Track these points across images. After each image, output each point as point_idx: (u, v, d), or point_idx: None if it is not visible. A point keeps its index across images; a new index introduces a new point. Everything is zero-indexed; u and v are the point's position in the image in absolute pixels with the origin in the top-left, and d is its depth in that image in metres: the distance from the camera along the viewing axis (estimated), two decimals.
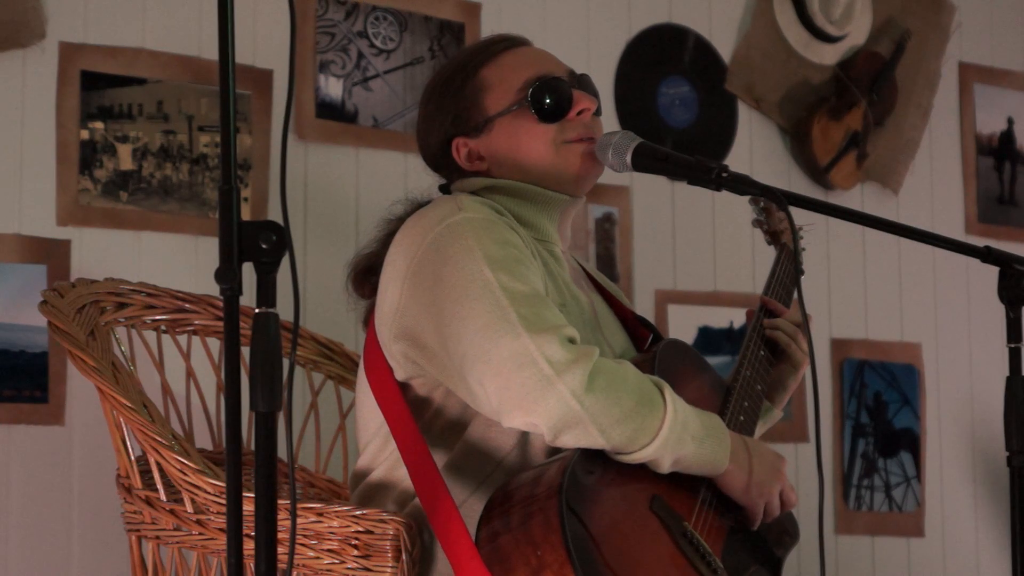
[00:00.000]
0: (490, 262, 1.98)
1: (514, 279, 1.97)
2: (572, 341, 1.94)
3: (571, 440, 1.91)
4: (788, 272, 2.50)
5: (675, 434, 1.95)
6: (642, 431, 1.93)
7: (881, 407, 4.01)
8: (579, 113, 2.19)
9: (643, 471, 1.98)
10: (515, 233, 2.07)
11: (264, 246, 1.56)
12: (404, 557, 1.99)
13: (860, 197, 4.03)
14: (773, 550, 2.18)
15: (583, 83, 2.23)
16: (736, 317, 3.75)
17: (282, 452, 1.89)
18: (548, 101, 2.17)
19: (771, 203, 2.59)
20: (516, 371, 1.89)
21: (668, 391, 1.98)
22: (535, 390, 1.88)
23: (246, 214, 3.12)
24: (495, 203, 2.14)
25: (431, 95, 2.26)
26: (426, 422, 2.10)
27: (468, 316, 1.94)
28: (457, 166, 2.23)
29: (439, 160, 2.26)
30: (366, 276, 2.21)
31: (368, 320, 2.20)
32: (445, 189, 2.28)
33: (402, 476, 2.09)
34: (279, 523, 1.60)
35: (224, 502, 1.90)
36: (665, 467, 1.97)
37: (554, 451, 1.99)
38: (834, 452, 3.93)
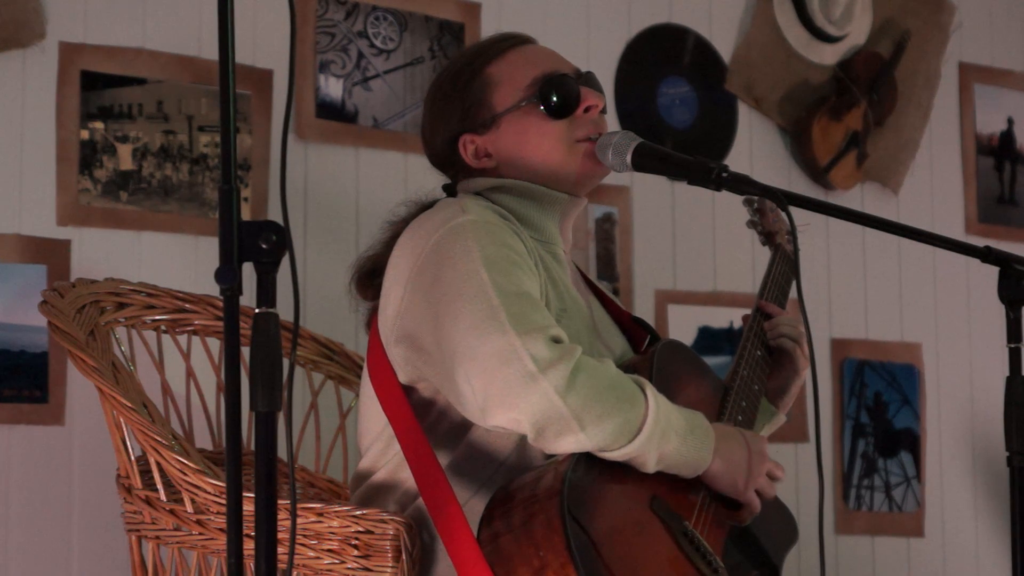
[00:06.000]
0: (487, 263, 1.97)
1: (508, 279, 1.96)
2: (558, 341, 1.93)
3: (552, 437, 1.90)
4: (784, 273, 2.50)
5: (659, 429, 1.94)
6: (624, 427, 1.91)
7: (881, 407, 4.00)
8: (586, 110, 2.19)
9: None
10: (517, 238, 2.06)
11: (264, 246, 1.56)
12: (404, 557, 1.99)
13: (860, 197, 4.03)
14: (773, 550, 2.18)
15: (589, 80, 2.22)
16: (736, 317, 3.74)
17: (282, 452, 1.89)
18: (556, 97, 2.17)
19: (765, 204, 2.59)
20: (501, 367, 1.88)
21: (650, 388, 1.96)
22: (518, 386, 1.87)
23: (246, 214, 3.12)
24: (499, 206, 2.13)
25: (437, 92, 2.25)
26: (430, 424, 2.09)
27: (460, 315, 1.93)
28: (463, 164, 2.22)
29: (444, 157, 2.25)
30: (370, 278, 2.20)
31: (371, 323, 2.19)
32: (449, 188, 2.28)
33: (405, 478, 2.09)
34: (279, 523, 1.60)
35: (224, 502, 1.90)
36: (650, 465, 1.96)
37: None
38: (834, 452, 3.93)
